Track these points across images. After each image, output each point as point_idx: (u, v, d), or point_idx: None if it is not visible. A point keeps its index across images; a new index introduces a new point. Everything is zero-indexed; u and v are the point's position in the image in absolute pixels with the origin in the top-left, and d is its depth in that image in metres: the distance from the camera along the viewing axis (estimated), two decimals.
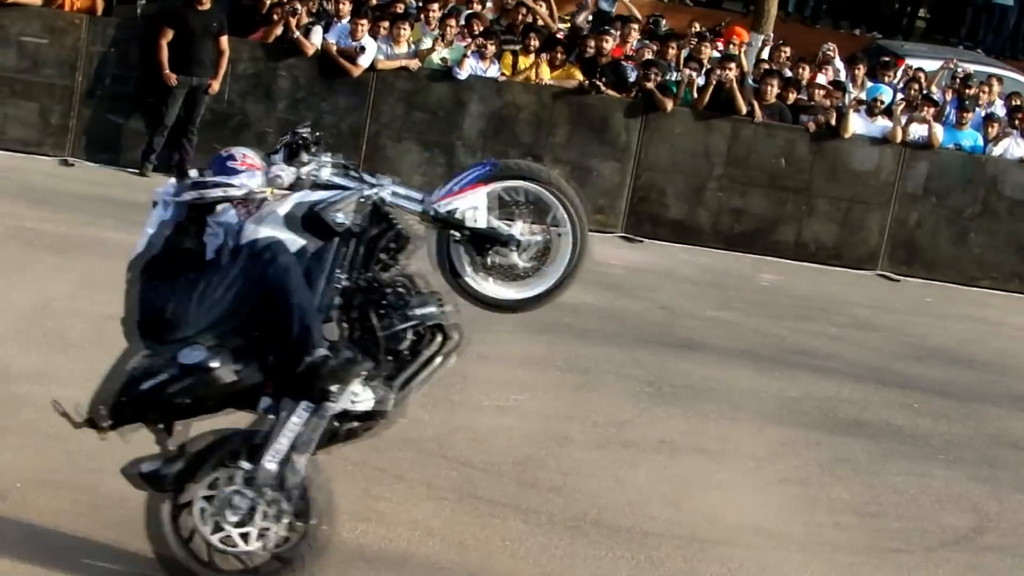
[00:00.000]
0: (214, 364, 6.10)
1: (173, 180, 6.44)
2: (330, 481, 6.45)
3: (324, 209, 6.23)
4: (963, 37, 23.99)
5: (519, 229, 6.53)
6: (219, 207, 6.23)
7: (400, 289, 6.43)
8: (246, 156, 6.33)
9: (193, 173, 6.32)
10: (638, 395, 10.18)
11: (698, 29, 17.69)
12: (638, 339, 11.65)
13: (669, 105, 15.57)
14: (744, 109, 15.64)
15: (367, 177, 6.45)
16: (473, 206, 6.41)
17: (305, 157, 6.34)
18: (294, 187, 6.35)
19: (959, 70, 17.78)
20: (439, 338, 6.48)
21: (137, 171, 14.89)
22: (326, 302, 6.27)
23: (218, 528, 6.26)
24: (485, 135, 15.42)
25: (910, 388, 11.39)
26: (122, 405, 6.21)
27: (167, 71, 14.74)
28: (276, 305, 6.09)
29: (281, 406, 6.23)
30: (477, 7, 16.85)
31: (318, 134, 6.49)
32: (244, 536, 6.26)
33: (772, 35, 18.51)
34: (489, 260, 6.54)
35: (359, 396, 6.25)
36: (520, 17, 16.59)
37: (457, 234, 6.48)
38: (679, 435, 9.48)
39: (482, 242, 6.49)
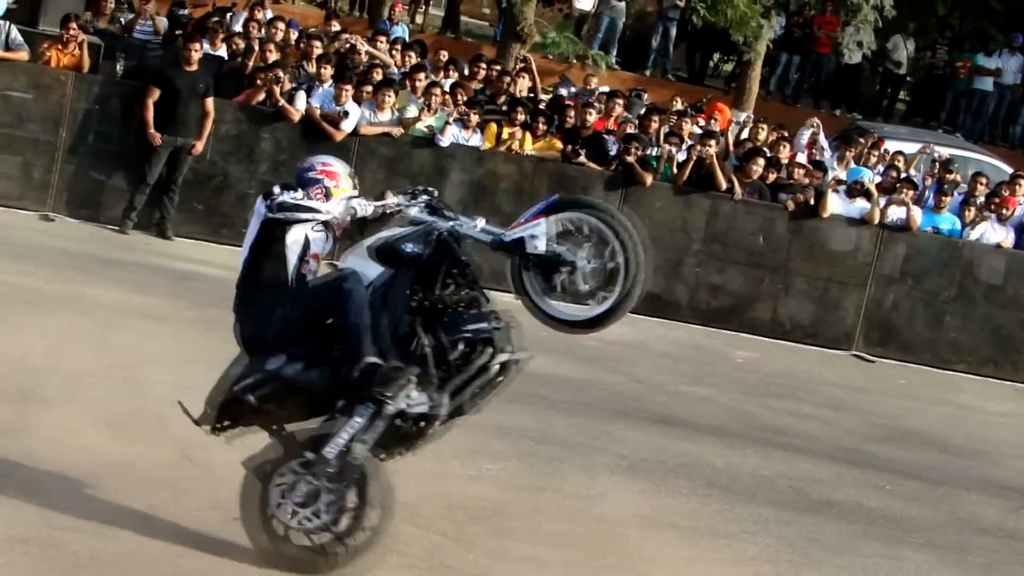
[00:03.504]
0: (288, 371, 7.12)
1: (277, 188, 7.32)
2: (391, 477, 7.29)
3: (396, 241, 7.27)
4: (943, 121, 24.24)
5: (582, 255, 7.14)
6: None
7: (460, 308, 7.27)
8: (325, 164, 7.56)
9: (276, 189, 7.30)
10: (611, 468, 10.16)
11: (680, 105, 17.82)
12: (612, 412, 11.64)
13: (649, 179, 15.65)
14: (724, 185, 15.72)
15: (450, 215, 7.34)
16: (533, 234, 7.15)
17: (391, 199, 7.49)
18: (383, 220, 7.47)
19: (936, 155, 17.93)
20: (488, 350, 7.21)
21: (117, 228, 14.92)
22: (396, 319, 7.17)
23: (289, 510, 7.17)
24: (465, 203, 15.39)
25: (883, 470, 11.39)
26: (223, 404, 7.22)
27: (151, 130, 14.80)
28: (339, 323, 7.11)
29: (350, 408, 7.14)
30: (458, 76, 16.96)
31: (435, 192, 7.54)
32: (310, 516, 7.17)
33: (752, 114, 18.70)
34: (555, 282, 7.17)
35: (414, 399, 7.12)
36: (504, 86, 16.68)
37: (526, 260, 7.19)
38: (651, 510, 9.46)
39: (547, 266, 7.16)
